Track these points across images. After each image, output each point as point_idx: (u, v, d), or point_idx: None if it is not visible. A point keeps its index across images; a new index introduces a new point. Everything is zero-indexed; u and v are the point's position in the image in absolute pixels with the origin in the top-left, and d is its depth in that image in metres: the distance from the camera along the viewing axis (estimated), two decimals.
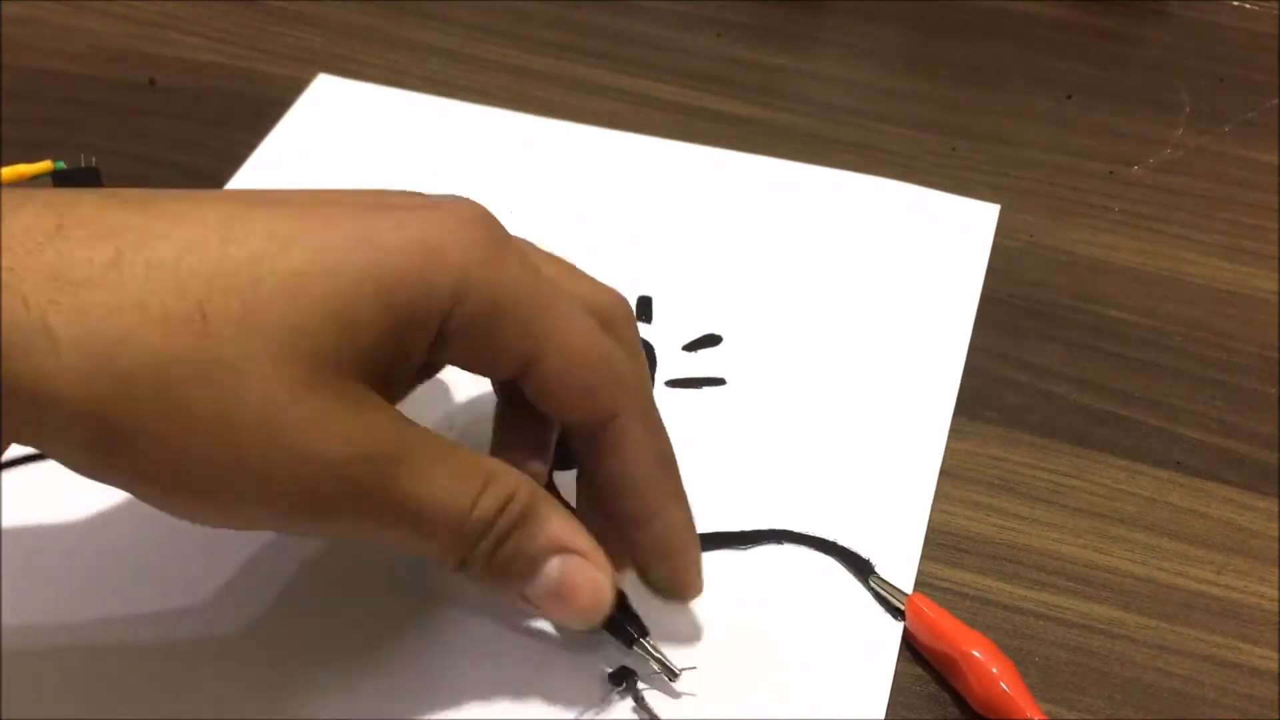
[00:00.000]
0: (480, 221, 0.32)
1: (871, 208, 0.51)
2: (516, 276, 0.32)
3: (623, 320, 0.35)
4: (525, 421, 0.36)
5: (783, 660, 0.37)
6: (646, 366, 0.36)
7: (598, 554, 0.33)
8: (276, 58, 0.57)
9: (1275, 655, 0.38)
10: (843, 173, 0.52)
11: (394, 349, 0.30)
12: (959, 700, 0.37)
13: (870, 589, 0.39)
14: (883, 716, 0.36)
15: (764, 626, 0.38)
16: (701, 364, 0.45)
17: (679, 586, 0.36)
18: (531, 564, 0.33)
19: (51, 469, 0.39)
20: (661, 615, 0.37)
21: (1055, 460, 0.43)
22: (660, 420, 0.35)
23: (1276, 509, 0.42)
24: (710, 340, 0.46)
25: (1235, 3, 0.63)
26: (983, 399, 0.45)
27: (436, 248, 0.30)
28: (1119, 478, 0.43)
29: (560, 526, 0.33)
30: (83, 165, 0.49)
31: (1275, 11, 0.62)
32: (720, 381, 0.45)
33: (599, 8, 0.61)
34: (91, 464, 0.29)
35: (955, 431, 0.44)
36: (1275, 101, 0.57)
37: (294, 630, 0.37)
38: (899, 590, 0.38)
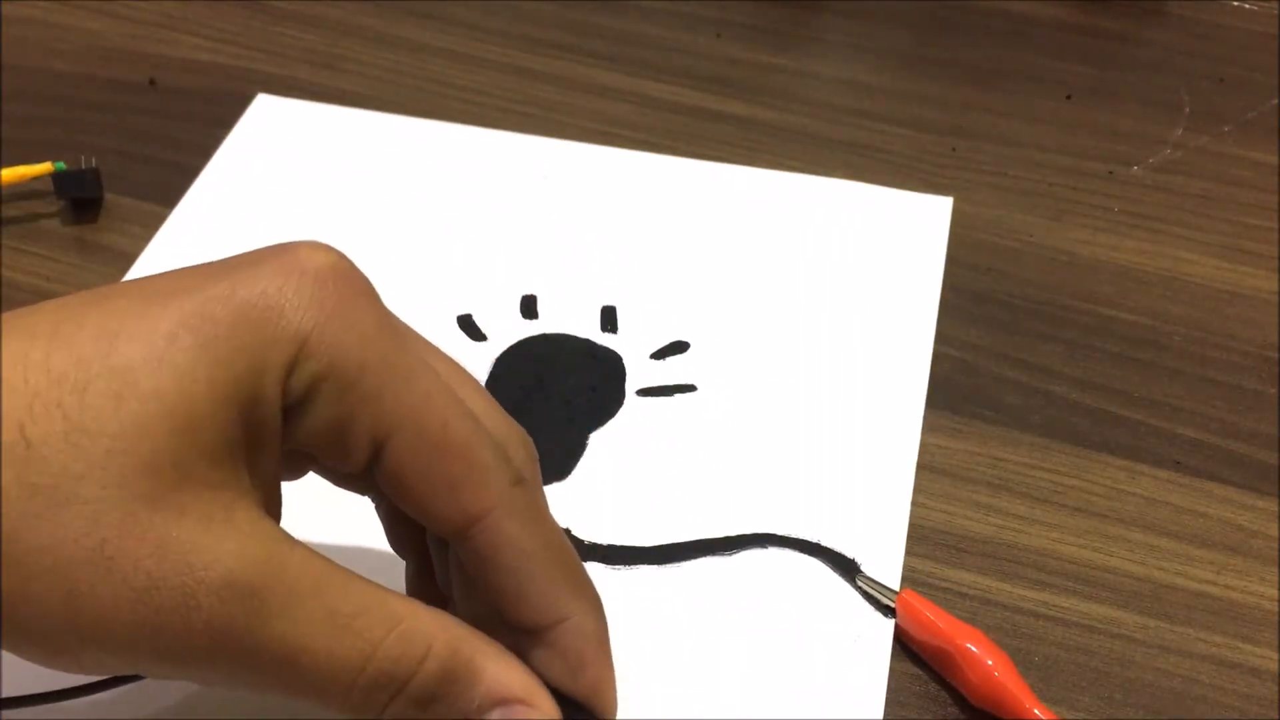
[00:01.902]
0: (329, 274, 0.28)
1: (827, 208, 0.51)
2: (368, 337, 0.27)
3: (517, 444, 0.31)
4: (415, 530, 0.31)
5: (776, 665, 0.37)
6: (529, 457, 0.32)
7: (541, 695, 0.29)
8: (276, 58, 0.57)
9: (1275, 655, 0.38)
10: (797, 175, 0.52)
11: (246, 442, 0.26)
12: (956, 696, 0.37)
13: (858, 588, 0.39)
14: (880, 717, 0.36)
15: (755, 632, 0.38)
16: (671, 371, 0.45)
17: (586, 689, 0.30)
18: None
19: None
20: (650, 625, 0.37)
21: (1055, 460, 0.43)
22: (546, 512, 0.31)
23: (1276, 509, 0.42)
24: (678, 347, 0.46)
25: (1235, 3, 0.63)
26: (982, 399, 0.45)
27: (268, 312, 0.26)
28: (1119, 477, 0.43)
29: (497, 673, 0.28)
30: (83, 167, 0.49)
31: (1275, 11, 0.62)
32: (691, 388, 0.44)
33: (599, 8, 0.61)
34: None
35: (955, 431, 0.44)
36: (1275, 101, 0.57)
37: None
38: (887, 588, 0.38)
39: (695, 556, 0.40)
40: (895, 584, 0.39)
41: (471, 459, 0.28)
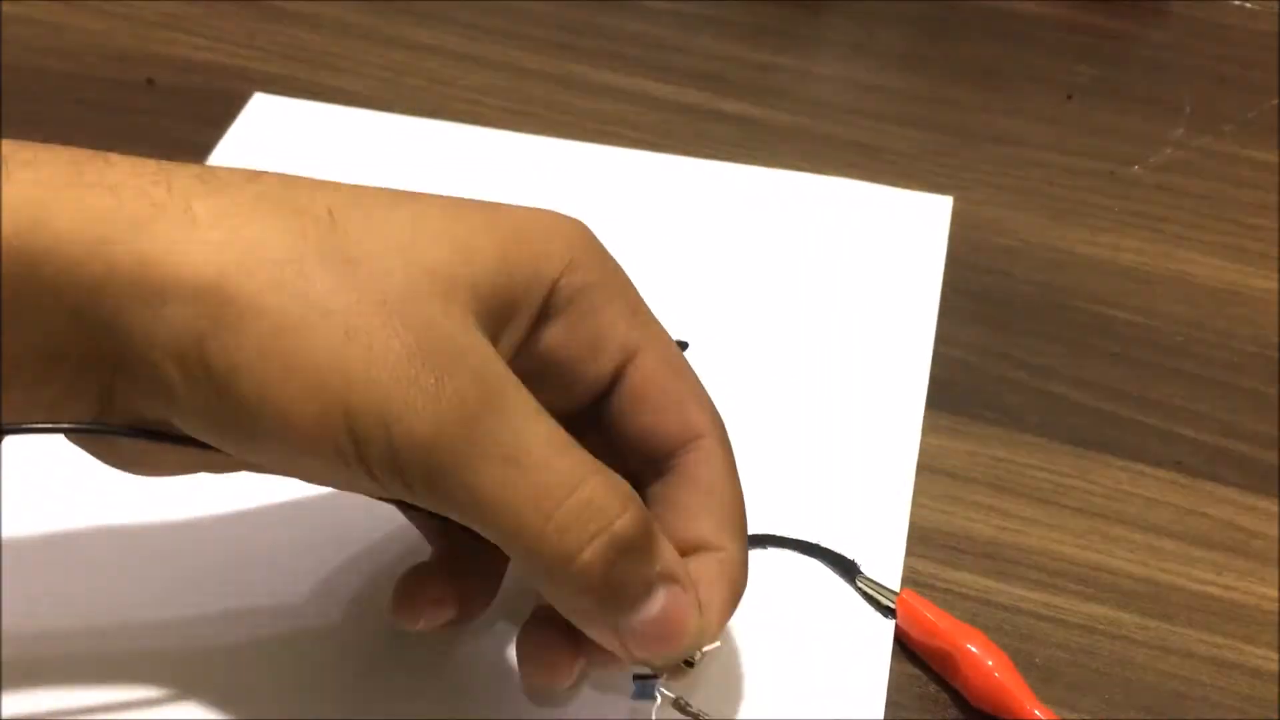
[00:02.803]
0: (581, 222, 0.32)
1: (827, 207, 0.51)
2: (615, 269, 0.32)
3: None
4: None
5: (777, 665, 0.37)
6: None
7: (694, 588, 0.30)
8: (275, 57, 0.57)
9: (1275, 656, 0.38)
10: (796, 174, 0.52)
11: (506, 302, 0.30)
12: (956, 697, 0.37)
13: (858, 589, 0.39)
14: (881, 718, 0.36)
15: (755, 632, 0.38)
16: None
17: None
18: (645, 589, 0.29)
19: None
20: None
21: (1055, 460, 0.43)
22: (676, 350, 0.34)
23: (1277, 509, 0.42)
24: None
25: (1236, 2, 0.63)
26: (983, 399, 0.45)
27: (549, 224, 0.31)
28: (1119, 478, 0.43)
29: (675, 557, 0.30)
30: None
31: (1276, 11, 0.62)
32: None
33: (598, 7, 0.60)
34: (194, 350, 0.27)
35: (955, 431, 0.44)
36: (1276, 101, 0.57)
37: (298, 637, 0.37)
38: (887, 589, 0.38)
39: None
40: (895, 585, 0.39)
41: (695, 382, 0.33)
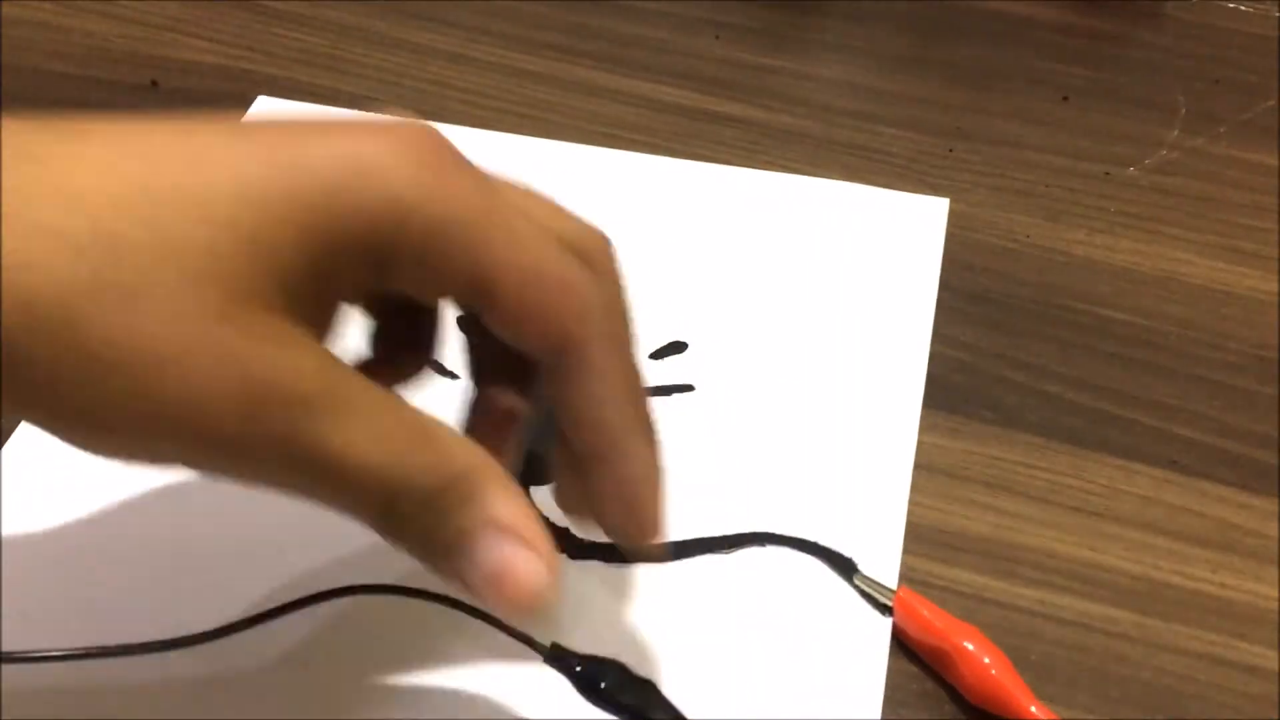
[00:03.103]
0: (424, 140, 0.30)
1: (824, 209, 0.51)
2: (465, 195, 0.29)
3: (599, 252, 0.33)
4: (492, 355, 0.33)
5: (774, 663, 0.37)
6: (625, 298, 0.34)
7: (543, 543, 0.30)
8: (277, 59, 0.57)
9: (1271, 653, 0.38)
10: (794, 176, 0.52)
11: (321, 278, 0.28)
12: (953, 694, 0.37)
13: (855, 587, 0.39)
14: (879, 716, 0.36)
15: (752, 630, 0.38)
16: (669, 372, 0.45)
17: (635, 526, 0.33)
18: (464, 539, 0.29)
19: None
20: (649, 622, 0.37)
21: (1052, 459, 0.43)
22: (634, 357, 0.33)
23: (1273, 508, 0.42)
24: (676, 348, 0.46)
25: (1231, 5, 0.63)
26: (979, 398, 0.45)
27: (368, 167, 0.28)
28: (1115, 477, 0.43)
29: (506, 506, 0.29)
30: None
31: (1270, 13, 0.63)
32: (689, 388, 0.45)
33: (598, 10, 0.61)
34: None
35: (952, 431, 0.44)
36: (1271, 103, 0.58)
37: (299, 632, 0.37)
38: (885, 587, 0.39)
39: (694, 554, 0.40)
40: (893, 583, 0.39)
41: (568, 292, 0.31)
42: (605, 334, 0.32)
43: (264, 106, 0.55)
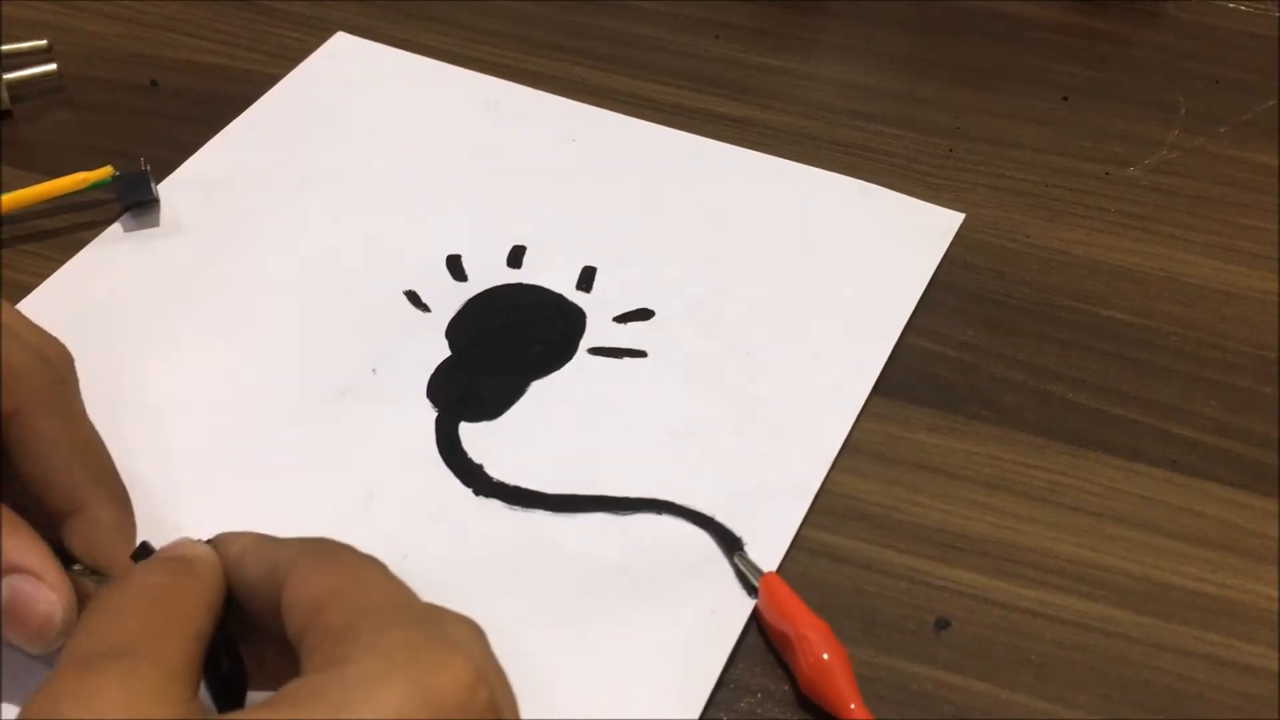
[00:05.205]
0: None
1: (822, 203, 0.52)
2: None
3: (55, 352, 0.36)
4: None
5: (637, 620, 0.38)
6: (64, 361, 0.37)
7: (53, 572, 0.33)
8: (278, 59, 0.57)
9: (1270, 653, 0.38)
10: (808, 168, 0.53)
11: None
12: (793, 682, 0.37)
13: (733, 565, 0.40)
14: (715, 679, 0.37)
15: (623, 588, 0.39)
16: (628, 336, 0.46)
17: (106, 569, 0.35)
18: None
19: None
20: (531, 567, 0.39)
21: (1052, 459, 0.43)
22: (80, 412, 0.36)
23: (1272, 508, 0.42)
24: (642, 314, 0.47)
25: (1230, 4, 0.63)
26: (979, 398, 0.45)
27: None
28: (1115, 477, 0.43)
29: (11, 545, 0.33)
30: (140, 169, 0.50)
31: (1270, 13, 0.63)
32: (641, 354, 0.46)
33: (598, 10, 0.61)
34: None
35: (952, 430, 0.44)
36: (1271, 103, 0.58)
37: None
38: (758, 569, 0.39)
39: (590, 510, 0.41)
40: (775, 566, 0.39)
41: (7, 366, 0.34)
42: (45, 402, 0.35)
43: (340, 42, 0.58)
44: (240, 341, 0.45)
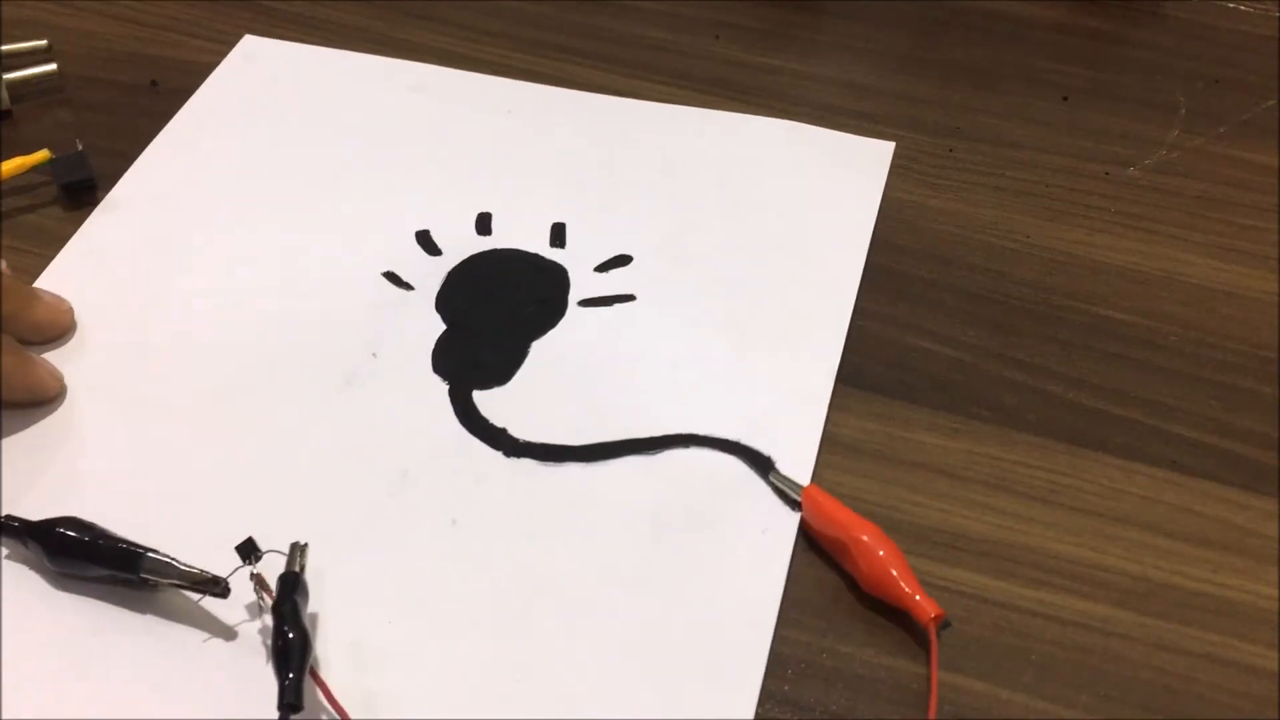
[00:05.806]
0: None
1: (774, 146, 0.53)
2: None
3: None
4: None
5: (692, 553, 0.39)
6: None
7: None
8: None
9: (1270, 653, 0.38)
10: (747, 116, 0.55)
11: None
12: (851, 584, 0.39)
13: (770, 484, 0.41)
14: (779, 593, 0.38)
15: (674, 523, 0.40)
16: (613, 283, 0.47)
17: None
18: None
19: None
20: (575, 519, 0.40)
21: (1052, 459, 0.43)
22: None
23: (1272, 508, 0.42)
24: (621, 260, 0.48)
25: (1230, 5, 0.63)
26: (979, 398, 0.45)
27: None
28: (1115, 477, 0.43)
29: None
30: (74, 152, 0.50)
31: (1270, 13, 0.63)
32: (630, 298, 0.47)
33: (597, 9, 0.61)
34: None
35: (952, 430, 0.44)
36: (1271, 103, 0.58)
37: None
38: (796, 483, 0.40)
39: (620, 455, 0.42)
40: (807, 478, 0.41)
41: None
42: None
43: (249, 45, 0.57)
44: (235, 345, 0.45)
